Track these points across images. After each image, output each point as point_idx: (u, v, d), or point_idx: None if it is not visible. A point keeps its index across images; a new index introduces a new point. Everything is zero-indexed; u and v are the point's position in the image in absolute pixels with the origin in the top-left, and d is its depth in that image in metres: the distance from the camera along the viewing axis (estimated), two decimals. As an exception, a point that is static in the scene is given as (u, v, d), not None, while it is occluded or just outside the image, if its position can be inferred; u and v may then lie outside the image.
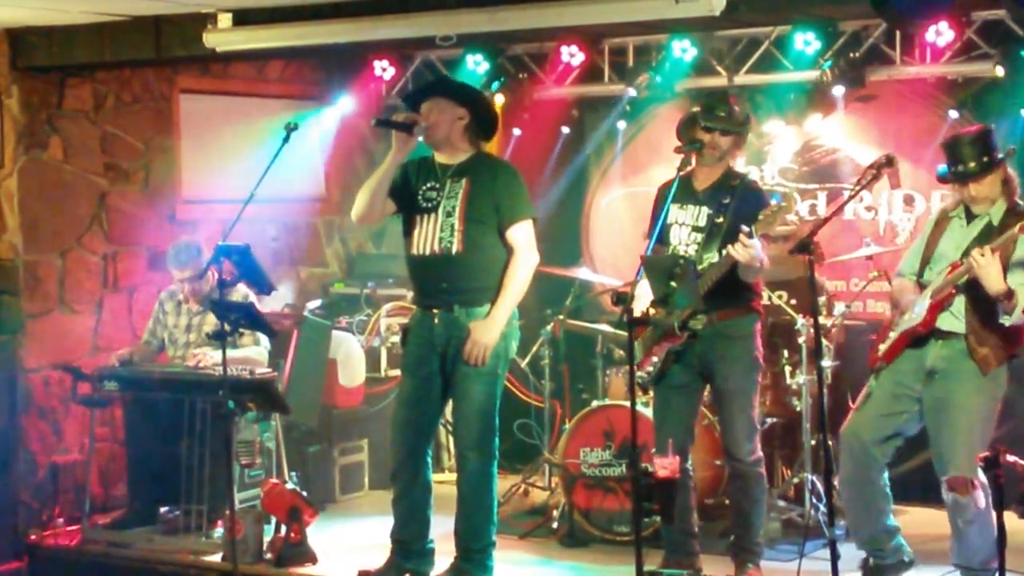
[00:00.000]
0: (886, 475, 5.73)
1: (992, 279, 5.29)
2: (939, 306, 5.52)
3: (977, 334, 5.48)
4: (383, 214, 6.05)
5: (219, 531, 6.65)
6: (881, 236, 7.68)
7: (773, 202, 5.61)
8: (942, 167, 5.65)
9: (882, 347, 5.71)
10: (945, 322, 5.53)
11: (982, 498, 5.37)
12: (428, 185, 5.94)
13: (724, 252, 5.63)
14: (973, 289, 5.43)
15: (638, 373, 5.94)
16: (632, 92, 7.73)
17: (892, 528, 5.79)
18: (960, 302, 5.50)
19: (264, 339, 7.01)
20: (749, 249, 5.50)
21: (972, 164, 5.49)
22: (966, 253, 5.48)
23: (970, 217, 5.61)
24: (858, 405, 5.75)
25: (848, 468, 5.76)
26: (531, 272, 5.93)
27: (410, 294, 6.36)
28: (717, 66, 7.67)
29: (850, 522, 5.88)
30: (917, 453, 6.44)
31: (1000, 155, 5.54)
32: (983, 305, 5.44)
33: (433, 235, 5.86)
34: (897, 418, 5.65)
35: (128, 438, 7.21)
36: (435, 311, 5.91)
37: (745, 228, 5.51)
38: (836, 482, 5.87)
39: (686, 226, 5.89)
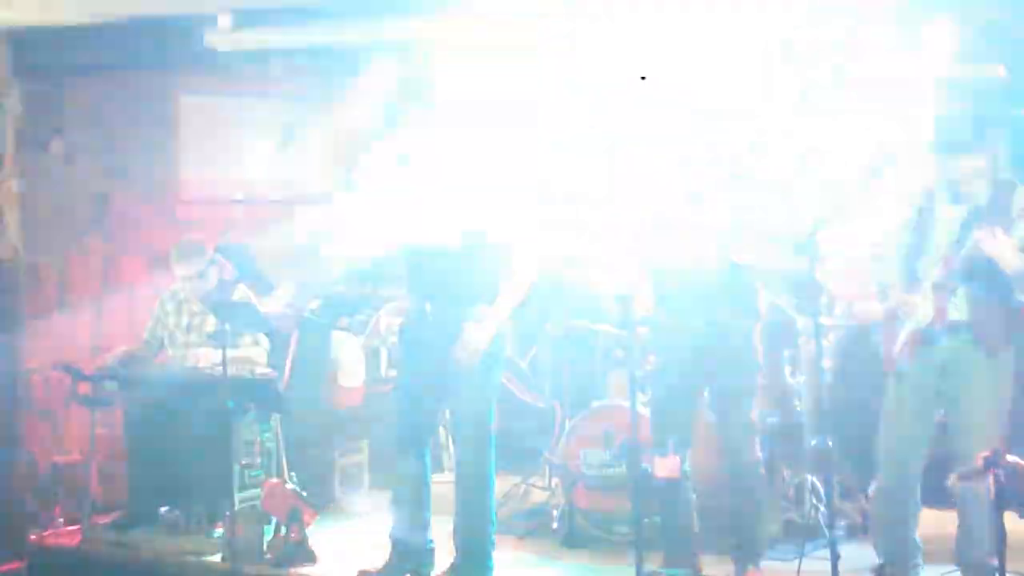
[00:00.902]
0: (919, 487, 5.73)
1: (1008, 256, 5.28)
2: (944, 298, 5.51)
3: (982, 319, 5.47)
4: None
5: (219, 531, 6.66)
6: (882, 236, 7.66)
7: None
8: (932, 139, 5.62)
9: (895, 349, 5.70)
10: (950, 313, 5.52)
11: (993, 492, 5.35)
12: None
13: None
14: (973, 276, 5.43)
15: (638, 372, 5.95)
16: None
17: (916, 545, 5.76)
18: (960, 290, 5.50)
19: (264, 339, 7.01)
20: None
21: (969, 136, 5.47)
22: (958, 239, 5.49)
23: (955, 199, 5.56)
24: (889, 415, 5.70)
25: (886, 480, 5.72)
26: (531, 279, 5.95)
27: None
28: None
29: (877, 531, 5.84)
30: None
31: (993, 134, 5.53)
32: (984, 289, 5.44)
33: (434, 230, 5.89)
34: (928, 417, 5.64)
35: (128, 438, 7.20)
36: (428, 308, 5.92)
37: None
38: (836, 482, 5.85)
39: (690, 226, 5.89)
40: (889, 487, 5.73)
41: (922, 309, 5.56)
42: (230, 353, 5.84)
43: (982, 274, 5.40)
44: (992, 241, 5.25)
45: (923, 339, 5.58)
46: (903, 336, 5.64)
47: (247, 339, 6.93)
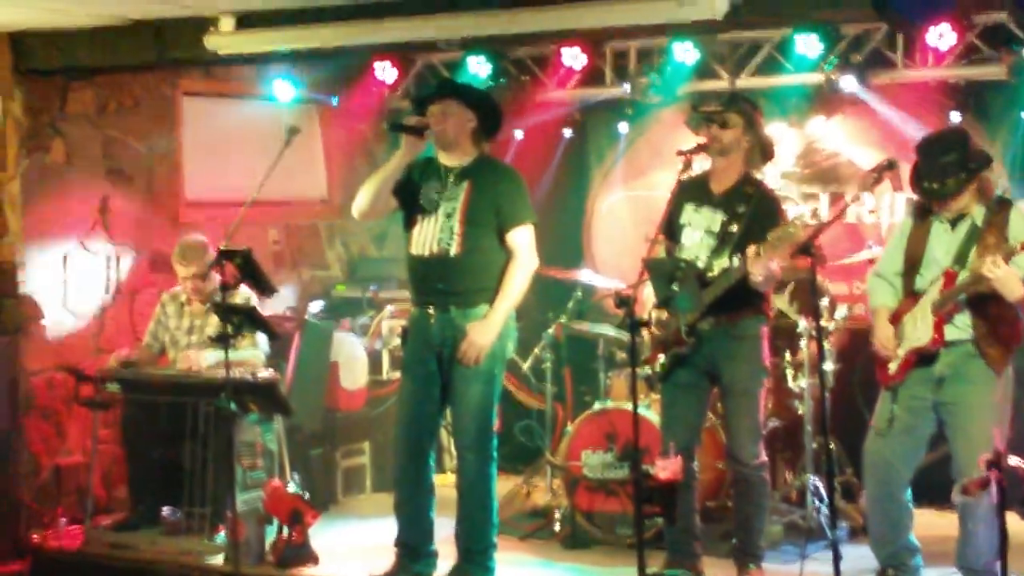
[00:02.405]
0: (909, 492, 5.72)
1: (1013, 287, 5.26)
2: (943, 321, 5.49)
3: (985, 339, 5.46)
4: (385, 211, 6.09)
5: (221, 533, 6.66)
6: (883, 239, 7.66)
7: (781, 227, 5.52)
8: (914, 174, 5.55)
9: (892, 366, 5.64)
10: (949, 333, 5.50)
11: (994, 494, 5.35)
12: (430, 186, 5.96)
13: (735, 263, 5.63)
14: (977, 301, 5.42)
15: (645, 370, 5.95)
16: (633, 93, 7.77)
17: (913, 546, 5.76)
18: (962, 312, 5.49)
19: (262, 342, 7.00)
20: (763, 270, 5.51)
21: (950, 183, 5.41)
22: (958, 259, 5.46)
23: (952, 219, 5.56)
24: (880, 428, 5.67)
25: (874, 488, 5.74)
26: (530, 276, 5.96)
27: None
28: (719, 69, 7.68)
29: (874, 539, 5.84)
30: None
31: (975, 164, 5.46)
32: (987, 312, 5.43)
33: (432, 235, 5.88)
34: (918, 431, 5.64)
35: (127, 440, 7.17)
36: (431, 311, 5.93)
37: (753, 248, 5.52)
38: (838, 484, 5.85)
39: (699, 229, 5.89)
40: (879, 498, 5.73)
41: (921, 329, 5.54)
42: (228, 357, 5.85)
43: (985, 296, 5.39)
44: (995, 270, 5.24)
45: (920, 360, 5.57)
46: (901, 352, 5.62)
47: (245, 342, 6.90)
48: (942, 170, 5.43)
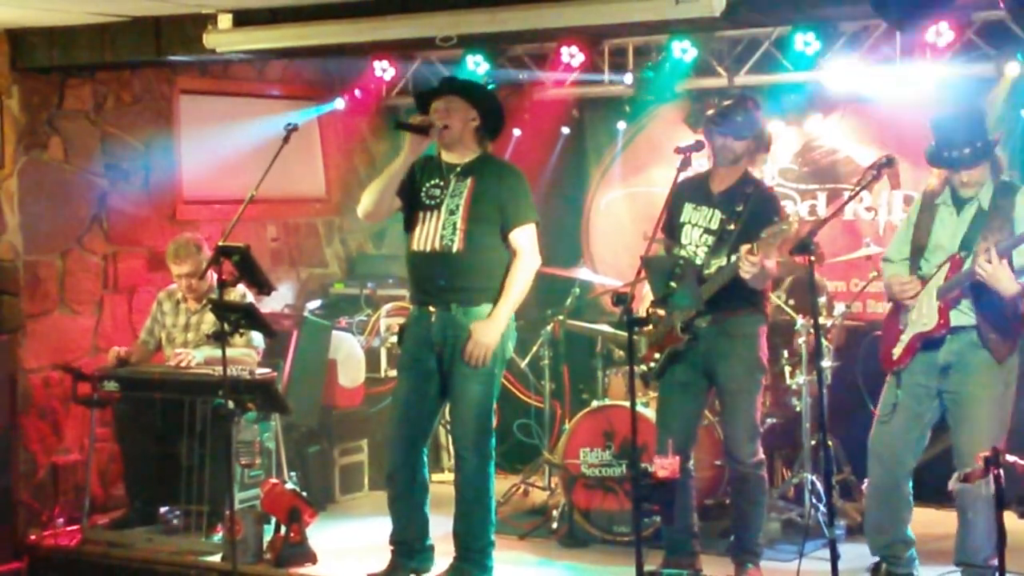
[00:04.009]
0: (911, 483, 5.72)
1: (1004, 284, 5.27)
2: (948, 306, 5.50)
3: (987, 325, 5.47)
4: (390, 212, 6.07)
5: (219, 533, 6.65)
6: (881, 236, 7.66)
7: (775, 224, 5.55)
8: (931, 148, 5.58)
9: (896, 350, 5.66)
10: (955, 318, 5.52)
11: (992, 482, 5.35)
12: (432, 183, 5.95)
13: (730, 261, 5.64)
14: (980, 287, 5.42)
15: (641, 367, 5.95)
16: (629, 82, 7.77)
17: (910, 539, 5.77)
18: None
19: (256, 340, 6.99)
20: (754, 268, 5.52)
21: (965, 151, 5.43)
22: (964, 244, 5.47)
23: (958, 202, 5.56)
24: (884, 415, 5.69)
25: (877, 476, 5.75)
26: (533, 275, 5.95)
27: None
28: (717, 67, 7.67)
29: (871, 528, 5.86)
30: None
31: (991, 139, 5.50)
32: (990, 298, 5.44)
33: (435, 232, 5.87)
34: (922, 418, 5.65)
35: (121, 436, 7.15)
36: (432, 309, 5.92)
37: (746, 247, 5.52)
38: (836, 482, 5.85)
39: (698, 227, 5.89)
40: (881, 485, 5.74)
41: (926, 313, 5.54)
42: (216, 353, 5.83)
43: (987, 286, 5.39)
44: (987, 267, 5.24)
45: (925, 344, 5.58)
46: (905, 338, 5.63)
47: (239, 340, 6.88)
48: (960, 139, 5.43)
